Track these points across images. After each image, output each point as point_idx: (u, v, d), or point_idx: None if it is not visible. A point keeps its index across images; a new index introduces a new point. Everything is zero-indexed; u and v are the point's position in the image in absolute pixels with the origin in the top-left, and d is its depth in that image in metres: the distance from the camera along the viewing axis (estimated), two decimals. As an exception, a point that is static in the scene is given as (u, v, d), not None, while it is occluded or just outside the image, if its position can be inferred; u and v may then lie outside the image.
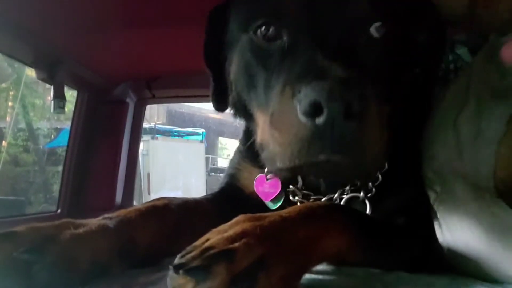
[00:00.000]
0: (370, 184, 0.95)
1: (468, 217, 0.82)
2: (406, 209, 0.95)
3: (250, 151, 1.07)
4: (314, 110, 0.63)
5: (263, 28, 0.83)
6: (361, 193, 0.95)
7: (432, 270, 0.85)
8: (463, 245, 0.84)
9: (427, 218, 0.94)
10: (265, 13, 0.83)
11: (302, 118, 0.65)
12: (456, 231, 0.86)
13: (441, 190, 0.90)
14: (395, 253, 0.85)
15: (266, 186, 1.04)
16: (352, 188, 0.96)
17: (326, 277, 0.74)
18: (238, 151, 1.18)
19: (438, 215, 0.91)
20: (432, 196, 0.92)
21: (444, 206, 0.89)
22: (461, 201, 0.85)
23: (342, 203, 0.96)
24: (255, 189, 1.05)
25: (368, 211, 0.94)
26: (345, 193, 0.97)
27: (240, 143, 1.20)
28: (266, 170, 1.02)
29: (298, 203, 0.98)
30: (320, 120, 0.63)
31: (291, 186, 1.01)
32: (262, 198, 1.04)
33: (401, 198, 0.96)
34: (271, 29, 0.82)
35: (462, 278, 0.81)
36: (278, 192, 1.02)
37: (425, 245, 0.91)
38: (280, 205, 1.02)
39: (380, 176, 0.95)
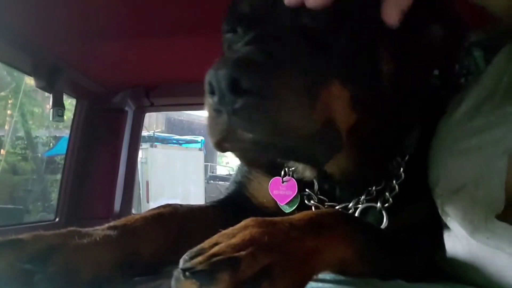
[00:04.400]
0: (387, 194, 0.93)
1: (466, 231, 0.82)
2: (419, 221, 0.94)
3: None
4: (210, 90, 0.66)
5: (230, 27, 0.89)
6: (378, 203, 0.93)
7: (434, 280, 0.85)
8: (466, 256, 0.83)
9: (435, 230, 0.93)
10: (231, 13, 0.89)
11: (208, 98, 0.68)
12: (460, 242, 0.85)
13: (442, 202, 0.89)
14: (396, 267, 0.85)
15: (282, 189, 1.02)
16: (368, 198, 0.95)
17: (326, 285, 0.74)
18: None
19: (447, 225, 0.90)
20: (439, 207, 0.91)
21: (448, 217, 0.88)
22: (460, 214, 0.84)
23: (357, 212, 0.94)
24: (270, 192, 1.03)
25: (384, 221, 0.92)
26: (360, 203, 0.95)
27: None
28: (282, 173, 1.01)
29: (313, 208, 0.97)
30: (214, 99, 0.66)
31: (307, 190, 0.99)
32: (278, 201, 1.02)
33: (416, 210, 0.95)
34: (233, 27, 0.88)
35: (461, 286, 0.81)
36: (293, 195, 1.00)
37: (428, 258, 0.91)
38: (295, 208, 1.00)
39: (397, 187, 0.93)
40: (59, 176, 2.38)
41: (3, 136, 8.26)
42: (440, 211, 0.90)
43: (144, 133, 8.30)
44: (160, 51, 1.84)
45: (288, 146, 0.71)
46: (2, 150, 7.95)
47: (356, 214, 0.94)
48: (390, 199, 0.93)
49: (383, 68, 0.81)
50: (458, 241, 0.86)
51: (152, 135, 9.64)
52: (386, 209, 0.93)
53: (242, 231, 0.62)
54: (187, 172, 9.59)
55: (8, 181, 8.04)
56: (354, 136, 0.82)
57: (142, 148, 7.69)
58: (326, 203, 0.97)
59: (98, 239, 0.71)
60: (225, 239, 0.60)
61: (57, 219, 2.15)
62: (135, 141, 2.43)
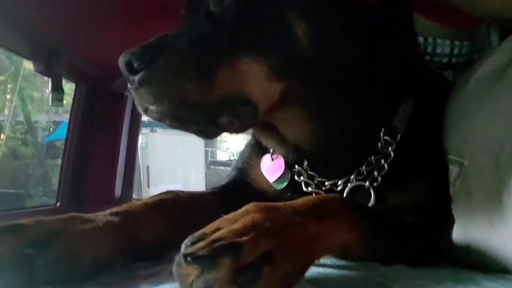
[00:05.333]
0: (375, 173, 0.93)
1: (487, 194, 0.78)
2: (419, 202, 0.93)
3: (260, 144, 1.06)
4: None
5: None
6: (367, 182, 0.93)
7: (435, 264, 0.85)
8: (475, 241, 0.81)
9: (437, 212, 0.92)
10: None
11: None
12: (466, 226, 0.83)
13: (461, 172, 0.85)
14: (399, 250, 0.85)
15: (271, 166, 1.03)
16: (359, 178, 0.95)
17: (327, 269, 0.74)
18: (250, 145, 1.16)
19: (460, 195, 0.86)
20: (454, 170, 0.87)
21: (469, 181, 0.83)
22: (482, 183, 0.80)
23: (346, 191, 0.95)
24: (261, 169, 1.05)
25: (372, 200, 0.92)
26: (350, 181, 0.95)
27: (252, 136, 1.16)
28: (271, 150, 1.02)
29: (303, 184, 0.98)
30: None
31: (296, 166, 1.00)
32: (268, 178, 1.03)
33: (409, 190, 0.94)
34: None
35: (464, 271, 0.80)
36: (283, 172, 1.01)
37: (430, 242, 0.90)
38: (286, 185, 1.01)
39: (386, 166, 0.93)
40: (59, 161, 2.38)
41: (2, 120, 8.25)
42: (452, 182, 0.87)
43: (144, 118, 8.27)
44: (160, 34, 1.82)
45: (187, 116, 0.80)
46: (2, 135, 7.95)
47: (345, 192, 0.94)
48: (379, 178, 0.93)
49: (299, 36, 0.83)
50: (464, 225, 0.84)
51: (152, 120, 9.61)
52: (375, 189, 0.93)
53: (244, 216, 0.62)
54: (187, 157, 9.60)
55: (8, 165, 8.06)
56: (300, 107, 0.87)
57: (142, 133, 7.70)
58: (316, 179, 0.98)
59: (100, 224, 0.72)
60: (227, 225, 0.60)
61: (58, 204, 2.16)
62: (135, 126, 2.42)
